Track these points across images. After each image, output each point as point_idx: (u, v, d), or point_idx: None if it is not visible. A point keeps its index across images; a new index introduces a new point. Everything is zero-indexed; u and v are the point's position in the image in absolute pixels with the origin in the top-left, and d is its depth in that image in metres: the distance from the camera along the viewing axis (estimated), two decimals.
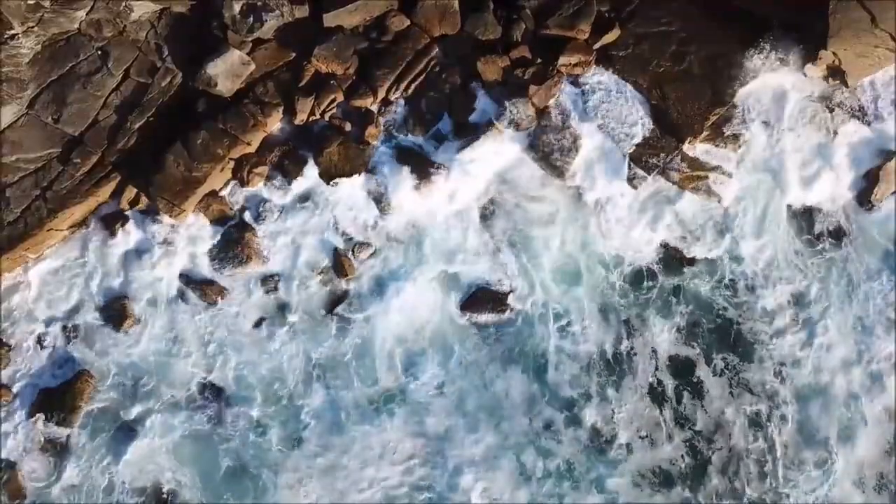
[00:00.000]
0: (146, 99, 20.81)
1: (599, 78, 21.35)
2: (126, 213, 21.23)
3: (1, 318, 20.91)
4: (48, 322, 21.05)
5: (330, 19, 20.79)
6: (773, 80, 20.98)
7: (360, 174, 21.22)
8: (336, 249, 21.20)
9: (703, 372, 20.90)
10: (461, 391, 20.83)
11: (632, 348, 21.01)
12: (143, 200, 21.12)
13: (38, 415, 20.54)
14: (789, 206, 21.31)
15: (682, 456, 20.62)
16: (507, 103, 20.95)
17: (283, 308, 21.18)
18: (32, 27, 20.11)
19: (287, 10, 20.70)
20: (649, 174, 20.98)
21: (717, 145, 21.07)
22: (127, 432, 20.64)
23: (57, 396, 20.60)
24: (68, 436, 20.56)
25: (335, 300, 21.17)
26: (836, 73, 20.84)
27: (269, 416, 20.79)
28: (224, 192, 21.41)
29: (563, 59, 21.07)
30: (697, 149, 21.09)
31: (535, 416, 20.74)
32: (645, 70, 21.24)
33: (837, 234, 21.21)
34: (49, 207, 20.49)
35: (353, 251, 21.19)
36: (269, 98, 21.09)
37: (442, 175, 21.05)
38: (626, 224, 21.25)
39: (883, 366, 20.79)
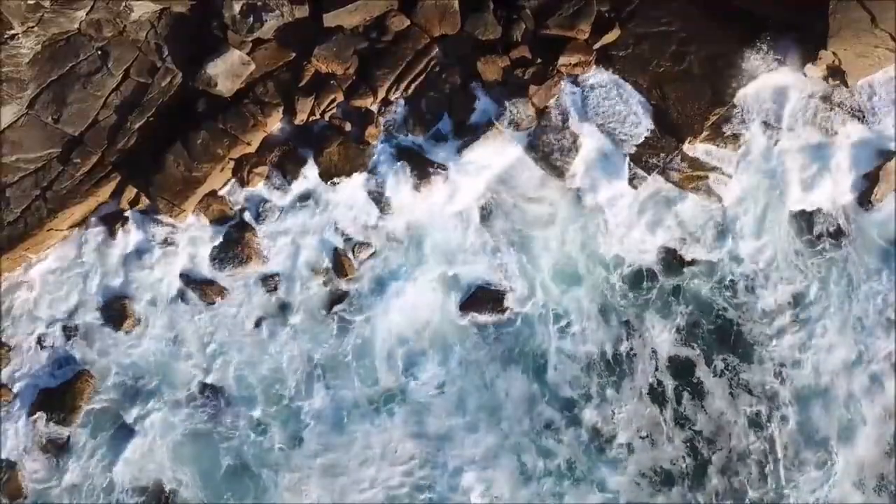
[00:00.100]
0: (146, 99, 20.82)
1: (599, 78, 21.35)
2: (126, 213, 21.24)
3: (1, 318, 20.91)
4: (48, 322, 21.06)
5: (330, 19, 20.80)
6: (773, 80, 20.96)
7: (360, 174, 21.23)
8: (336, 249, 21.21)
9: (702, 372, 20.88)
10: (461, 391, 20.82)
11: (632, 349, 20.99)
12: (143, 200, 21.13)
13: (38, 414, 20.55)
14: (789, 207, 21.32)
15: (683, 456, 20.60)
16: (507, 103, 20.96)
17: (283, 308, 21.19)
18: (32, 27, 20.12)
19: (287, 10, 20.71)
20: (649, 174, 20.97)
21: (717, 145, 21.07)
22: (127, 432, 20.63)
23: (57, 396, 20.61)
24: (68, 436, 20.57)
25: (335, 300, 21.17)
26: (836, 73, 20.83)
27: (269, 415, 20.79)
28: (224, 192, 21.41)
29: (563, 59, 21.08)
30: (697, 149, 21.08)
31: (536, 415, 20.73)
32: (645, 70, 21.23)
33: (837, 235, 21.18)
34: (49, 207, 20.50)
35: (353, 251, 21.19)
36: (269, 98, 21.10)
37: (442, 175, 21.06)
38: (626, 224, 21.23)
39: (883, 366, 20.77)
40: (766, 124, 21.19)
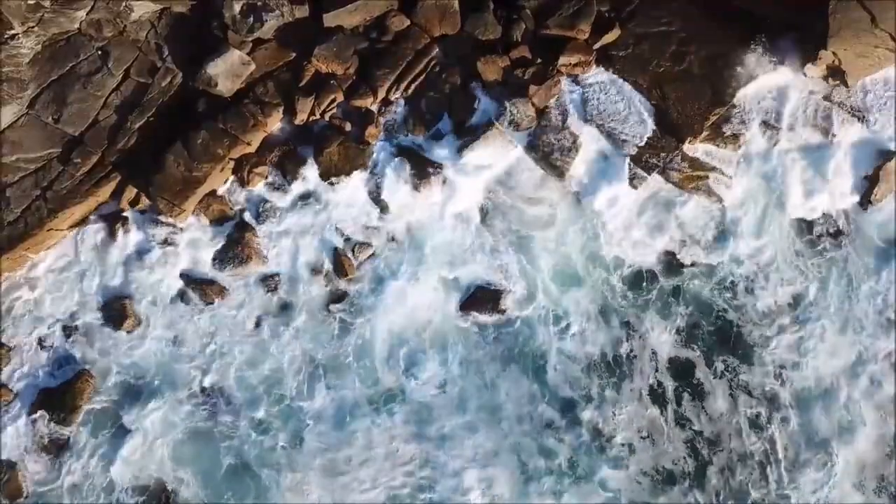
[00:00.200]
0: (146, 99, 20.83)
1: (599, 78, 21.36)
2: (126, 213, 21.24)
3: (1, 317, 20.91)
4: (48, 322, 21.06)
5: (330, 19, 20.80)
6: (772, 80, 20.97)
7: (360, 174, 21.23)
8: (336, 249, 21.21)
9: (702, 374, 20.88)
10: (462, 391, 20.82)
11: (632, 350, 20.99)
12: (144, 200, 21.12)
13: (38, 414, 20.54)
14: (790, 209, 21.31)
15: (683, 457, 20.60)
16: (507, 103, 20.97)
17: (283, 308, 21.20)
18: (33, 27, 20.13)
19: (287, 10, 20.71)
20: (649, 174, 20.97)
21: (717, 145, 21.06)
22: (127, 432, 20.62)
23: (57, 396, 20.61)
24: (68, 435, 20.56)
25: (335, 300, 21.17)
26: (836, 72, 20.83)
27: (269, 415, 20.80)
28: (224, 192, 21.41)
29: (563, 59, 21.09)
30: (697, 149, 21.07)
31: (536, 415, 20.72)
32: (645, 70, 21.24)
33: (837, 235, 21.18)
34: (49, 207, 20.49)
35: (353, 251, 21.19)
36: (269, 98, 21.10)
37: (442, 175, 21.07)
38: (626, 225, 21.23)
39: (883, 366, 20.76)
40: (766, 124, 21.19)
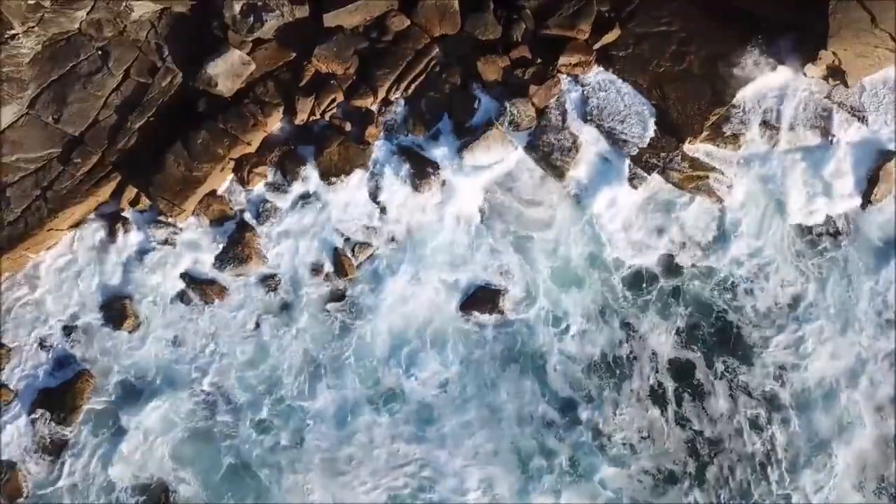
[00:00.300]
0: (146, 99, 20.84)
1: (599, 78, 21.36)
2: (126, 213, 21.26)
3: (1, 318, 20.91)
4: (48, 322, 21.06)
5: (330, 19, 20.81)
6: (773, 80, 20.96)
7: (360, 174, 21.24)
8: (336, 249, 21.21)
9: (703, 374, 20.86)
10: (462, 391, 20.81)
11: (632, 351, 20.97)
12: (144, 200, 21.15)
13: (38, 414, 20.54)
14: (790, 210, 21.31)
15: (684, 457, 20.58)
16: (507, 103, 20.98)
17: (283, 307, 21.20)
18: (33, 27, 20.15)
19: (287, 10, 20.73)
20: (649, 174, 20.96)
21: (717, 145, 21.05)
22: (127, 432, 20.59)
23: (57, 396, 20.61)
24: (68, 435, 20.55)
25: (335, 300, 21.16)
26: (836, 72, 20.82)
27: (270, 415, 20.78)
28: (224, 192, 21.42)
29: (563, 59, 21.09)
30: (698, 149, 21.07)
31: (536, 415, 20.71)
32: (645, 70, 21.24)
33: (837, 235, 21.17)
34: (49, 207, 20.50)
35: (353, 251, 21.18)
36: (269, 98, 21.11)
37: (442, 175, 21.06)
38: (626, 225, 21.21)
39: (883, 367, 20.73)
40: (766, 124, 21.17)
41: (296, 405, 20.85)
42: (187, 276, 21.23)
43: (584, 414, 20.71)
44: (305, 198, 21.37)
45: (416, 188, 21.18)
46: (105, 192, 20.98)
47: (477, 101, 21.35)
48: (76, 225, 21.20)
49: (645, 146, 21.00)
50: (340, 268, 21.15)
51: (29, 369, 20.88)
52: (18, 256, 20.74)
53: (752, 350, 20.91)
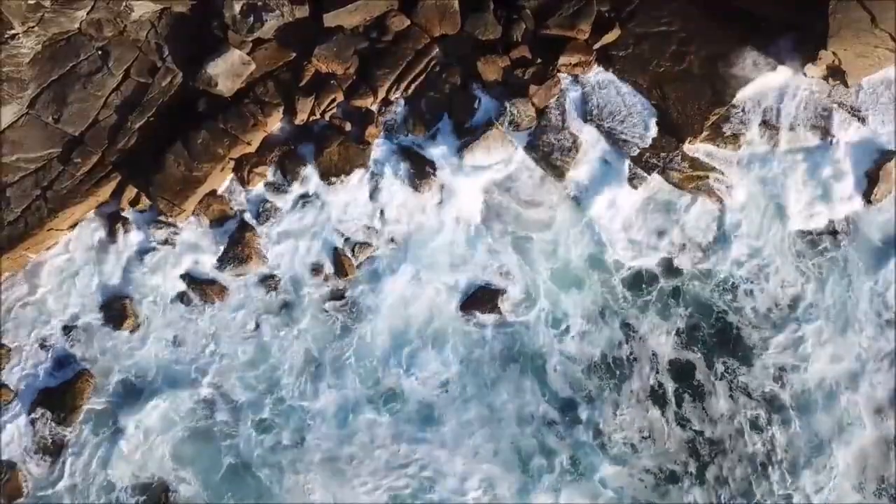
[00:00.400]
0: (146, 99, 20.85)
1: (599, 78, 21.37)
2: (126, 213, 21.26)
3: (1, 317, 20.91)
4: (49, 322, 21.06)
5: (330, 19, 20.82)
6: (772, 80, 20.95)
7: (360, 174, 21.24)
8: (336, 249, 21.20)
9: (703, 375, 20.85)
10: (462, 390, 20.81)
11: (632, 351, 20.95)
12: (144, 200, 21.15)
13: (38, 414, 20.53)
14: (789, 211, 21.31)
15: (684, 458, 20.57)
16: (507, 103, 20.98)
17: (283, 307, 21.19)
18: (33, 27, 20.16)
19: (287, 10, 20.73)
20: (649, 174, 20.96)
21: (717, 145, 21.05)
22: (127, 432, 20.58)
23: (57, 396, 20.61)
24: (68, 435, 20.55)
25: (335, 300, 21.16)
26: (836, 72, 20.82)
27: (270, 415, 20.77)
28: (224, 192, 21.42)
29: (563, 59, 21.10)
30: (698, 149, 21.07)
31: (537, 415, 20.70)
32: (645, 70, 21.24)
33: (837, 235, 21.16)
34: (49, 207, 20.51)
35: (353, 251, 21.18)
36: (269, 98, 21.12)
37: (442, 175, 21.05)
38: (626, 225, 21.20)
39: (882, 367, 20.72)
40: (766, 124, 21.17)
41: (296, 405, 20.84)
42: (187, 276, 21.23)
43: (584, 414, 20.70)
44: (305, 198, 21.37)
45: (416, 188, 21.18)
46: (105, 192, 20.99)
47: (477, 101, 21.35)
48: (76, 225, 21.19)
49: (647, 146, 20.99)
50: (340, 268, 21.15)
51: (29, 369, 20.87)
52: (18, 256, 20.74)
53: (752, 351, 20.88)
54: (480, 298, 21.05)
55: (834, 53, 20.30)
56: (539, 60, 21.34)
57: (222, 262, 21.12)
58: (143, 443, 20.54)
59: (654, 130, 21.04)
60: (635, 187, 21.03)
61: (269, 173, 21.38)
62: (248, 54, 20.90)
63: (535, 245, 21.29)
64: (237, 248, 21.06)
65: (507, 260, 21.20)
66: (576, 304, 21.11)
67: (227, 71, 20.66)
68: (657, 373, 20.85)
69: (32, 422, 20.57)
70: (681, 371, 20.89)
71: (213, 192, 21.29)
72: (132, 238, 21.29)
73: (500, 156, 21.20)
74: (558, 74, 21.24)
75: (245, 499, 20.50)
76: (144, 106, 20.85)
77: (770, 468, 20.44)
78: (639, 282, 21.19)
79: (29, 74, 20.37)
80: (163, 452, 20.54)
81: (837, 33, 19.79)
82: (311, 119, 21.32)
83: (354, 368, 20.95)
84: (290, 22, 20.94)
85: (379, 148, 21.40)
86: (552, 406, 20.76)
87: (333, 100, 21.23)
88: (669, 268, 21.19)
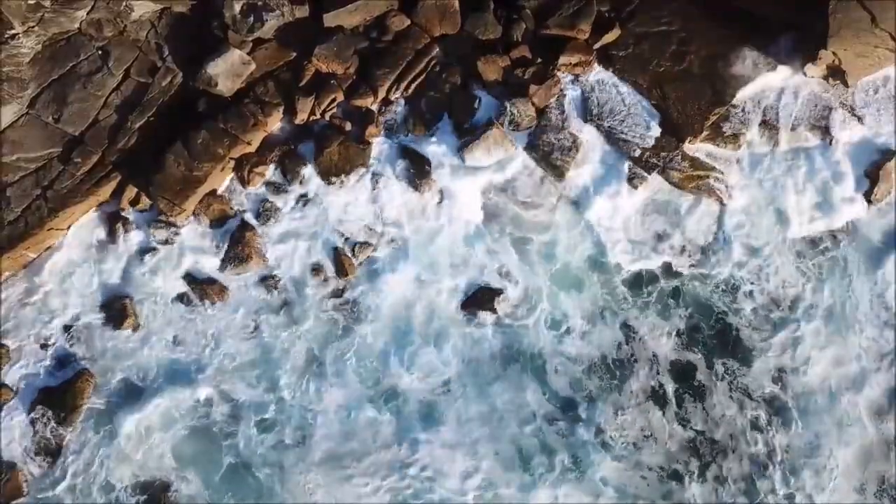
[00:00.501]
0: (146, 98, 20.85)
1: (600, 78, 21.38)
2: (126, 212, 21.25)
3: (1, 317, 20.91)
4: (49, 321, 21.03)
5: (330, 19, 20.83)
6: (773, 80, 20.98)
7: (360, 174, 21.25)
8: (336, 249, 21.21)
9: (703, 375, 20.85)
10: (463, 390, 20.80)
11: (632, 352, 20.95)
12: (144, 200, 21.14)
13: (38, 413, 20.52)
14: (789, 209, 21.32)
15: (685, 458, 20.56)
16: (507, 103, 20.99)
17: (283, 307, 21.18)
18: (33, 27, 20.16)
19: (287, 10, 20.75)
20: (649, 174, 20.97)
21: (717, 145, 21.07)
22: (127, 431, 20.56)
23: (57, 395, 20.59)
24: (69, 435, 20.53)
25: (336, 299, 21.15)
26: (836, 72, 20.84)
27: (270, 415, 20.76)
28: (224, 192, 21.43)
29: (563, 59, 21.12)
30: (698, 148, 21.07)
31: (538, 415, 20.70)
32: (645, 70, 21.25)
33: (837, 235, 21.16)
34: (49, 207, 20.51)
35: (353, 251, 21.18)
36: (269, 98, 21.13)
37: (442, 175, 21.05)
38: (626, 225, 21.21)
39: (883, 367, 20.73)
40: (765, 124, 21.19)
41: (297, 405, 20.82)
42: (188, 276, 21.21)
43: (584, 414, 20.70)
44: (305, 197, 21.38)
45: (416, 188, 21.18)
46: (105, 191, 20.99)
47: (477, 101, 21.37)
48: (77, 224, 21.17)
49: (647, 146, 21.00)
50: (340, 267, 21.15)
51: (29, 369, 20.85)
52: (18, 256, 20.74)
53: (751, 351, 20.88)
54: (481, 298, 21.03)
55: (834, 53, 20.32)
56: (539, 60, 21.36)
57: (222, 262, 21.12)
58: (143, 442, 20.52)
59: (654, 130, 21.05)
60: (635, 187, 21.04)
61: (270, 173, 21.39)
62: (249, 54, 20.91)
63: (535, 245, 21.31)
64: (237, 248, 21.06)
65: (507, 259, 21.20)
66: (576, 304, 21.10)
67: (227, 71, 20.67)
68: (657, 373, 20.85)
69: (32, 421, 20.55)
70: (681, 371, 20.89)
71: (213, 192, 21.29)
72: (132, 238, 21.27)
73: (500, 155, 21.20)
74: (558, 74, 21.26)
75: (245, 498, 20.48)
76: (144, 106, 20.86)
77: (771, 468, 20.44)
78: (639, 282, 21.19)
79: (29, 74, 20.38)
80: (163, 452, 20.52)
81: (837, 33, 19.82)
82: (311, 119, 21.33)
83: (355, 368, 20.94)
84: (290, 22, 20.95)
85: (379, 148, 21.41)
86: (553, 405, 20.76)
87: (333, 99, 21.24)
88: (669, 268, 21.19)
